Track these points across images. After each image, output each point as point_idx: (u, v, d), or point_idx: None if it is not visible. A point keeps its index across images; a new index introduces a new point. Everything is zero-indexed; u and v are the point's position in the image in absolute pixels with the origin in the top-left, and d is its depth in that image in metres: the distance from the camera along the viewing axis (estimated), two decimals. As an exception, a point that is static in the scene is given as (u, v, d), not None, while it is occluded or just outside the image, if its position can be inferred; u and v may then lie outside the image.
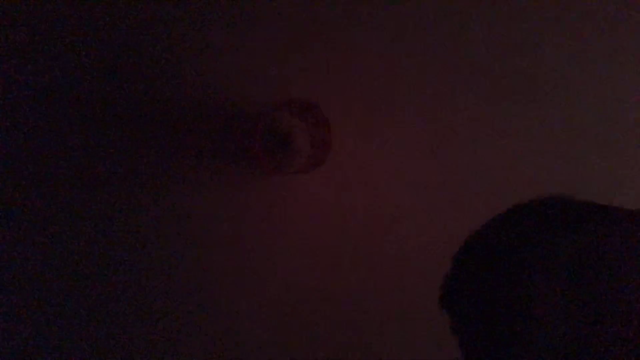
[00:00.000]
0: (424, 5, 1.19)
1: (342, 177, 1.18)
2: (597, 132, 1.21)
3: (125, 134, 1.15)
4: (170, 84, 1.16)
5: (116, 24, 1.15)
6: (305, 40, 1.18)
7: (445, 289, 0.52)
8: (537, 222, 0.48)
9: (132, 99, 1.15)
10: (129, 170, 1.15)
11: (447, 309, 0.52)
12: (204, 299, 1.16)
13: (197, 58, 1.16)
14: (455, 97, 1.20)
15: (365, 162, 1.18)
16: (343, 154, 1.18)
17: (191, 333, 1.16)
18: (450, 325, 0.52)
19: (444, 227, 1.19)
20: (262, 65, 1.17)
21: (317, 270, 1.17)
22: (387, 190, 1.19)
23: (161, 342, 1.15)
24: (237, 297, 1.16)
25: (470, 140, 1.20)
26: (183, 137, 1.16)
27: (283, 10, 1.17)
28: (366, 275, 1.18)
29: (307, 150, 1.17)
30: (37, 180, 1.14)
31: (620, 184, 1.21)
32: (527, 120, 1.20)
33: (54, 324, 1.14)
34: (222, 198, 1.16)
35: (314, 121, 1.11)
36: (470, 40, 1.20)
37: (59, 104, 1.14)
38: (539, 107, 1.20)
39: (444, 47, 1.20)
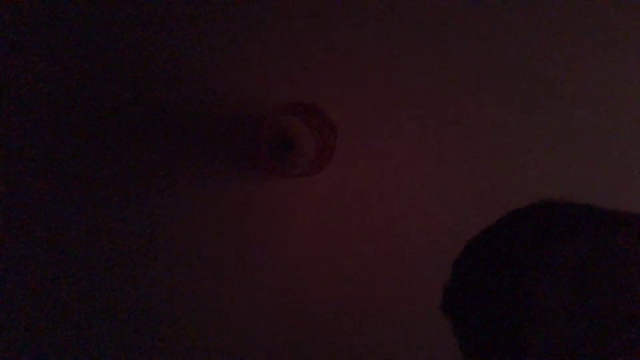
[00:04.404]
0: (428, 9, 1.19)
1: (346, 181, 1.18)
2: (597, 134, 1.21)
3: (129, 137, 1.15)
4: (176, 87, 1.16)
5: (120, 25, 1.15)
6: (311, 44, 1.18)
7: (447, 295, 0.52)
8: (537, 226, 0.48)
9: (137, 102, 1.16)
10: (133, 172, 1.15)
11: (449, 314, 0.52)
12: (207, 300, 1.16)
13: (203, 61, 1.16)
14: (460, 101, 1.20)
15: (370, 165, 1.18)
16: (347, 157, 1.18)
17: (194, 332, 1.16)
18: (452, 330, 0.52)
19: (448, 231, 1.19)
20: (268, 69, 1.17)
21: (319, 272, 1.17)
22: (391, 193, 1.19)
23: (164, 341, 1.16)
24: (239, 298, 1.16)
25: (474, 143, 1.20)
26: (188, 139, 1.16)
27: (289, 13, 1.18)
28: (368, 278, 1.18)
29: (312, 153, 1.17)
30: (40, 181, 1.14)
31: (620, 186, 1.20)
32: (529, 122, 1.20)
33: (56, 324, 1.14)
34: (227, 200, 1.16)
35: (318, 125, 1.11)
36: (475, 43, 1.20)
37: (62, 105, 1.15)
38: (542, 110, 1.20)
39: (448, 50, 1.20)
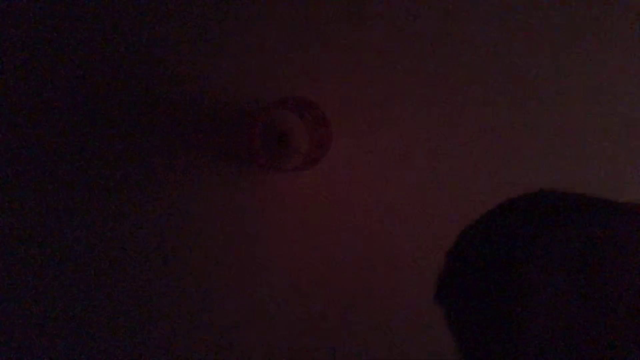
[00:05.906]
0: (423, 6, 1.19)
1: (340, 175, 1.18)
2: (595, 132, 1.21)
3: (124, 133, 1.15)
4: (169, 82, 1.16)
5: (115, 22, 1.15)
6: (305, 39, 1.18)
7: (440, 285, 0.52)
8: (532, 214, 0.48)
9: (130, 98, 1.15)
10: (127, 168, 1.15)
11: (443, 304, 0.52)
12: (201, 296, 1.16)
13: (196, 56, 1.16)
14: (453, 97, 1.20)
15: (363, 160, 1.19)
16: (341, 151, 1.18)
17: (189, 331, 1.16)
18: (446, 321, 0.52)
19: (441, 226, 1.19)
20: (261, 63, 1.17)
21: (313, 267, 1.18)
22: (385, 188, 1.19)
23: (159, 341, 1.16)
24: (233, 293, 1.16)
25: (467, 139, 1.20)
26: (181, 134, 1.16)
27: (283, 9, 1.17)
28: (362, 273, 1.18)
29: (305, 148, 1.17)
30: (37, 181, 1.14)
31: (619, 185, 1.21)
32: (525, 120, 1.20)
33: (54, 325, 1.14)
34: (220, 195, 1.16)
35: (312, 119, 1.11)
36: (468, 41, 1.20)
37: (57, 103, 1.15)
38: (537, 107, 1.21)
39: (442, 47, 1.20)
